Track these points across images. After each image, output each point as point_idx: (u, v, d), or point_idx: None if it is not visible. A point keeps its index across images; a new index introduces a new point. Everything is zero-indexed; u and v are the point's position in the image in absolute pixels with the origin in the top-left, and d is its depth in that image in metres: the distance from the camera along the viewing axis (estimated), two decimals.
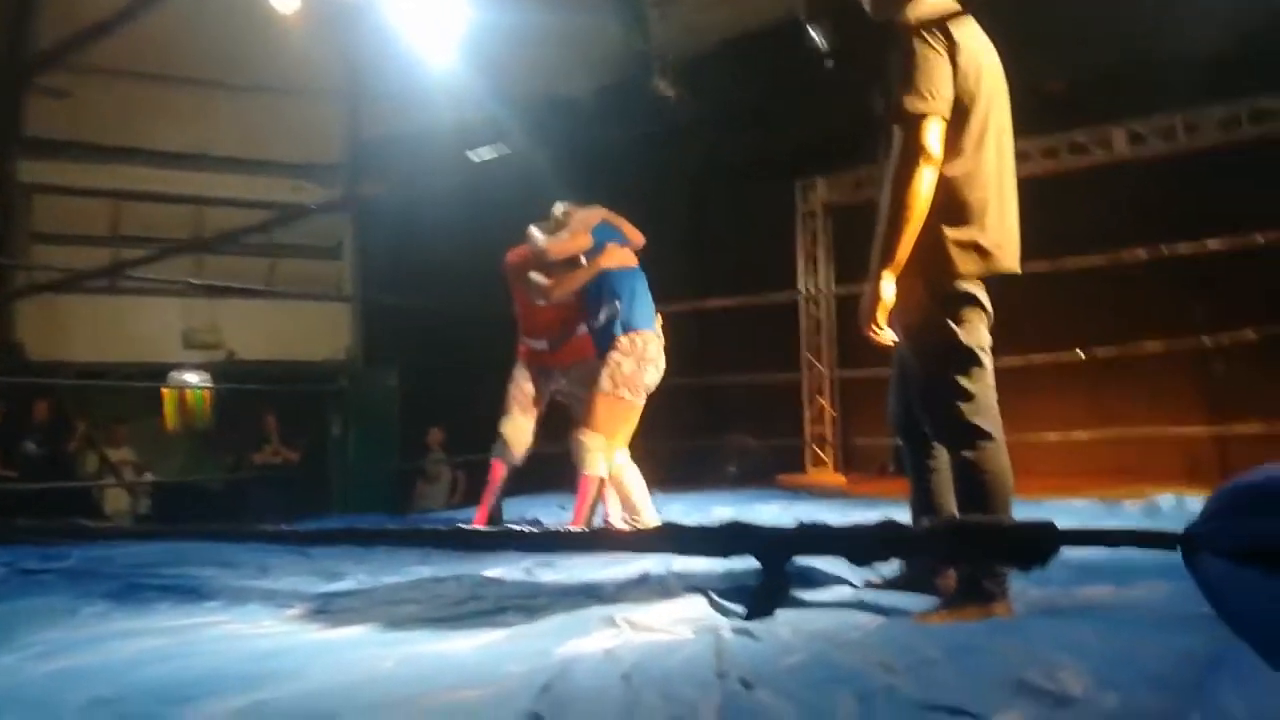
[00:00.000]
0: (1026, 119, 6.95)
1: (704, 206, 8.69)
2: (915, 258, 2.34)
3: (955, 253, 2.36)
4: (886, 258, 2.34)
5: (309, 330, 9.60)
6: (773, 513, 4.61)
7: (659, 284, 4.23)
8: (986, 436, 2.35)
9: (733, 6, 7.17)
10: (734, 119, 7.54)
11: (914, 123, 2.28)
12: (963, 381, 2.36)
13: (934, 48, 2.32)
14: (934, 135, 2.28)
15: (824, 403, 8.08)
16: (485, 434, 7.74)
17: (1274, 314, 5.09)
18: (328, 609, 2.73)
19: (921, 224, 2.31)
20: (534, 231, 4.20)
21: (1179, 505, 4.09)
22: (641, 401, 4.03)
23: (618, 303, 4.02)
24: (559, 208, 4.29)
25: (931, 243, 2.35)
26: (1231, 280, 5.97)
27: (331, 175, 9.56)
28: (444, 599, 2.82)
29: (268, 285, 8.98)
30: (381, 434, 7.61)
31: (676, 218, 8.12)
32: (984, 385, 2.38)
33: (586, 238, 4.11)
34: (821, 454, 8.00)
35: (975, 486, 2.36)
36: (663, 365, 4.09)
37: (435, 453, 8.50)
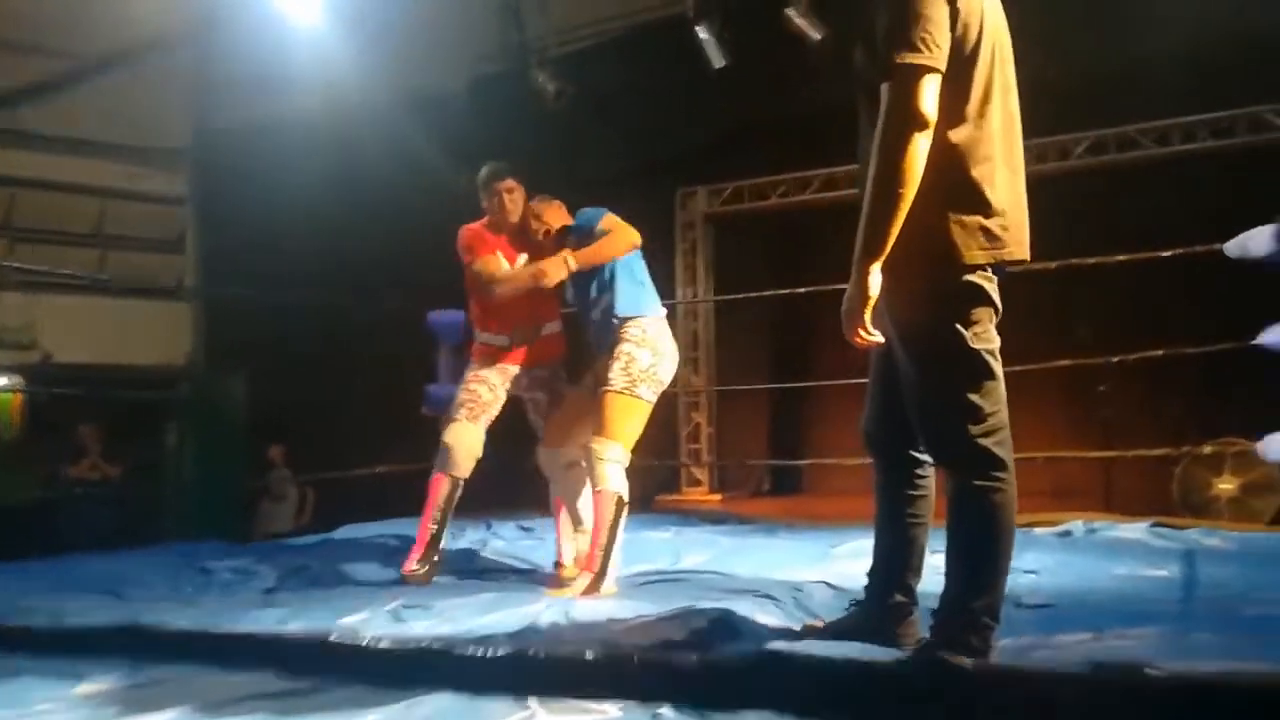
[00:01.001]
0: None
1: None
2: (911, 245, 1.97)
3: (960, 237, 2.00)
4: (873, 244, 1.97)
5: (144, 331, 8.67)
6: (667, 539, 4.26)
7: None
8: (1002, 466, 2.04)
9: (619, 1, 6.83)
10: (613, 119, 7.19)
11: (905, 78, 1.91)
12: (973, 397, 2.02)
13: None
14: (929, 94, 1.91)
15: (700, 419, 7.83)
16: (341, 447, 7.18)
17: (1162, 334, 5.06)
18: None
19: (913, 202, 1.94)
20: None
21: (1090, 532, 3.97)
22: (654, 400, 3.46)
23: (619, 286, 3.45)
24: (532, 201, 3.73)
25: (930, 226, 1.99)
26: (1118, 299, 6.00)
27: (174, 161, 8.73)
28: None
29: (96, 279, 8.07)
30: (224, 448, 6.89)
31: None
32: (996, 400, 2.05)
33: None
34: (697, 473, 7.74)
35: (980, 524, 2.05)
36: (677, 358, 3.56)
37: (279, 469, 7.80)
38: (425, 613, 2.95)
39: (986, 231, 2.01)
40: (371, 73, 6.59)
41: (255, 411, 7.18)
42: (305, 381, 6.92)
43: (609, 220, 3.47)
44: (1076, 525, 4.05)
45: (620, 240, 3.44)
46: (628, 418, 3.37)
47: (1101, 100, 6.48)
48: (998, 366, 2.06)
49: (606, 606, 2.85)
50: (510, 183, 3.71)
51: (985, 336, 2.05)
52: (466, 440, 3.72)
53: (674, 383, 3.68)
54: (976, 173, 2.01)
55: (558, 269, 3.44)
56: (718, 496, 7.43)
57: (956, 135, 1.99)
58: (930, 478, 2.28)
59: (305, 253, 7.05)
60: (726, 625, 2.31)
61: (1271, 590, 2.75)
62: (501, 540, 4.59)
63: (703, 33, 6.43)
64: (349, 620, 2.82)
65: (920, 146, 1.91)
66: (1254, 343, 4.02)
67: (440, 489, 3.76)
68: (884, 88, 1.94)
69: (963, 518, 2.07)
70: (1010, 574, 3.02)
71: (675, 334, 3.67)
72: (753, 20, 6.43)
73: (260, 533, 6.99)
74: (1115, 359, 4.88)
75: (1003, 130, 2.06)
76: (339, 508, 5.79)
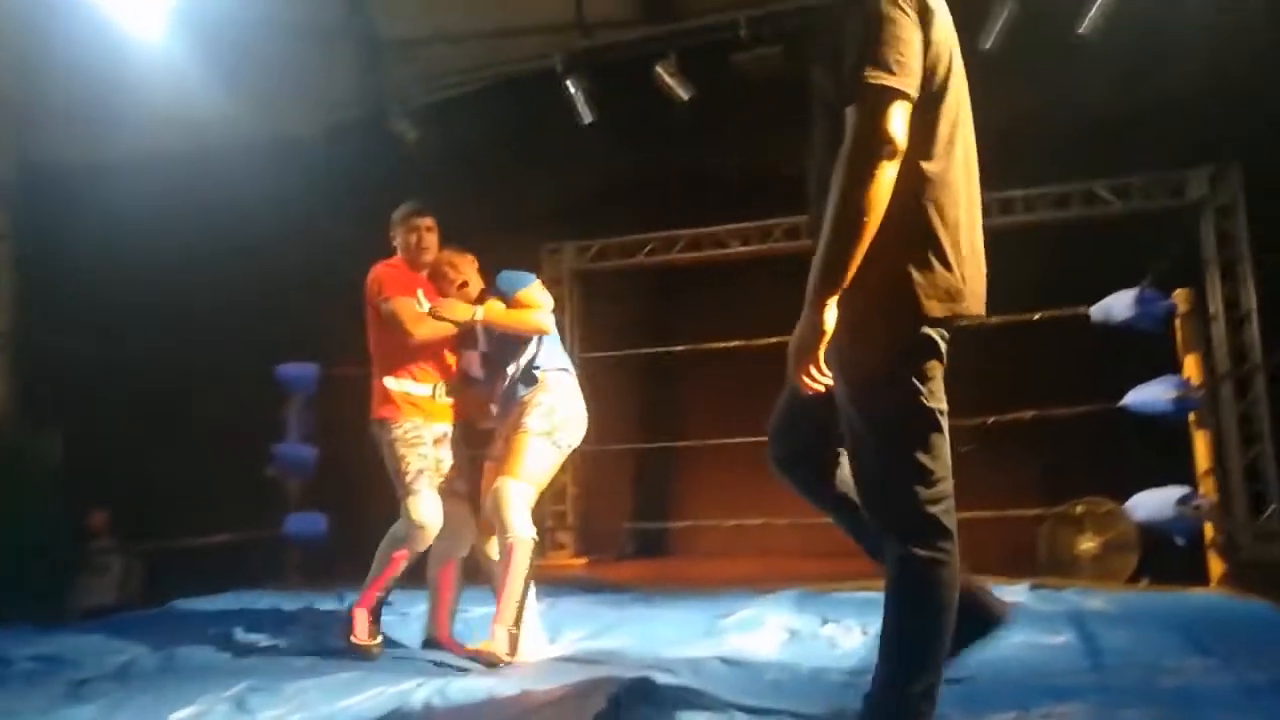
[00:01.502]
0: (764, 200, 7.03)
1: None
2: (868, 289, 1.82)
3: (921, 288, 1.84)
4: (831, 277, 1.79)
5: None
6: (543, 612, 3.99)
7: None
8: (948, 536, 1.88)
9: (486, 51, 6.68)
10: (479, 171, 7.00)
11: (875, 100, 1.75)
12: (923, 459, 1.86)
13: (904, 10, 1.82)
14: (899, 119, 1.76)
15: (565, 480, 7.58)
16: (176, 513, 6.56)
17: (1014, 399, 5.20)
18: None
19: (873, 241, 1.77)
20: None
21: None
22: (566, 455, 3.41)
23: (545, 340, 3.46)
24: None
25: (891, 270, 1.84)
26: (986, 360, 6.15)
27: None
28: None
29: None
30: (35, 513, 6.16)
31: None
32: (944, 464, 1.90)
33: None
34: (561, 536, 7.47)
35: (922, 599, 1.88)
36: (585, 425, 3.48)
37: (101, 537, 7.08)
38: (273, 698, 2.63)
39: (948, 283, 1.88)
40: (224, 114, 6.18)
41: (75, 473, 6.49)
42: (136, 440, 6.32)
43: (529, 294, 3.46)
44: None
45: (532, 322, 3.44)
46: (541, 461, 3.30)
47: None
48: (945, 425, 1.92)
49: (485, 685, 2.60)
50: (430, 221, 3.63)
51: (937, 395, 1.92)
52: (437, 517, 3.41)
53: None
54: (940, 217, 1.88)
55: (463, 313, 3.39)
56: (583, 560, 7.18)
57: (922, 173, 1.86)
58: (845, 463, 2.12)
59: (143, 301, 6.50)
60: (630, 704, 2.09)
61: (1177, 657, 2.74)
62: None
63: (572, 87, 6.37)
64: (181, 715, 2.48)
65: (887, 175, 1.76)
66: (1120, 404, 4.12)
67: (400, 565, 3.48)
68: (849, 110, 1.79)
69: (903, 590, 1.91)
70: None
71: None
72: (622, 77, 6.40)
73: (78, 610, 6.28)
74: (990, 420, 4.96)
75: (965, 174, 1.95)
76: (173, 580, 5.25)
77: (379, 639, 3.41)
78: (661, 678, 2.47)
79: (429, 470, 3.42)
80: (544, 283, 3.61)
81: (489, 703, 2.34)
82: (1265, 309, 5.48)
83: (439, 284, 3.59)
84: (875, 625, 3.49)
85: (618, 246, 7.61)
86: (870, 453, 1.93)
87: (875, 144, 1.75)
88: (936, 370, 1.92)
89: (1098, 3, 5.12)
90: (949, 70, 1.91)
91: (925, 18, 1.86)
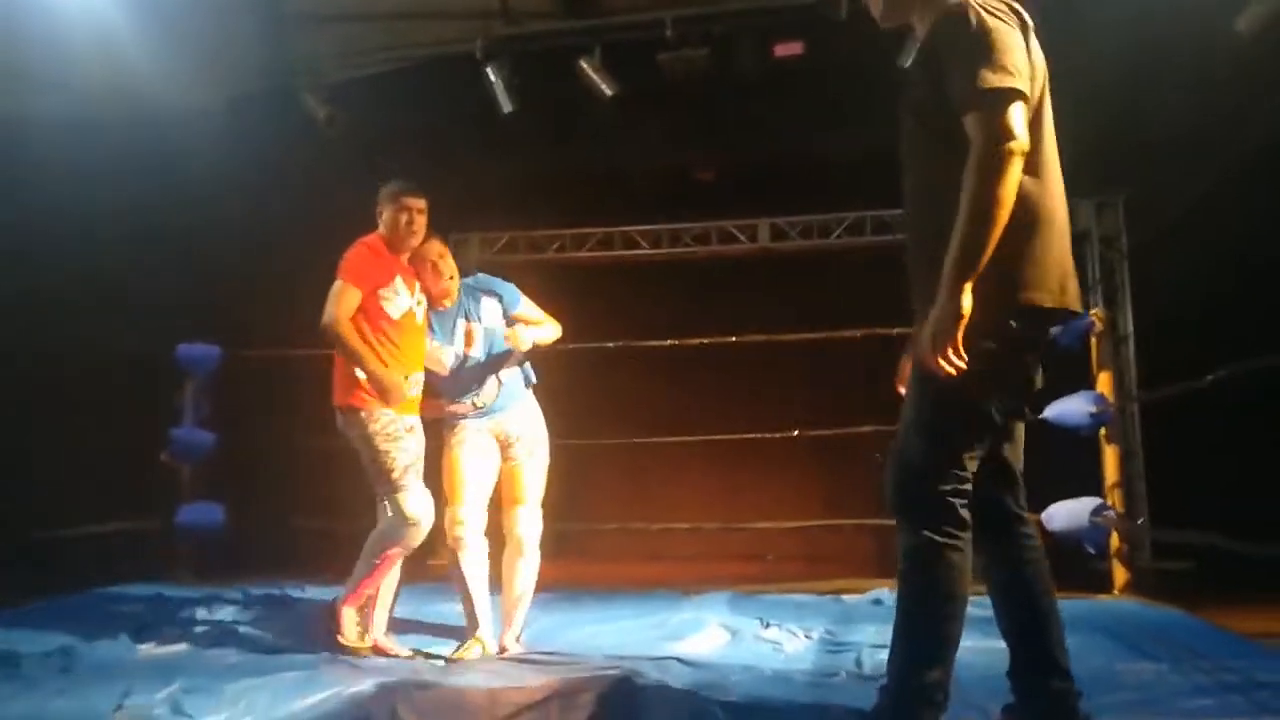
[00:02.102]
0: (678, 204, 7.09)
1: (342, 246, 7.70)
2: (981, 277, 1.90)
3: (1031, 275, 1.95)
4: (968, 264, 1.87)
5: None
6: None
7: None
8: (965, 526, 1.96)
9: (404, 32, 6.47)
10: (389, 153, 6.79)
11: (996, 103, 1.87)
12: (965, 454, 1.96)
13: (1004, 20, 1.94)
14: (1020, 118, 1.88)
15: None
16: (58, 504, 6.10)
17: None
18: None
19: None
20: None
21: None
22: None
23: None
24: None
25: (1003, 256, 1.91)
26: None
27: None
28: None
29: None
30: None
31: (312, 258, 7.12)
32: (975, 461, 2.00)
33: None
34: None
35: (937, 584, 1.94)
36: None
37: None
38: (213, 700, 2.47)
39: (1054, 275, 2.00)
40: (116, 82, 5.78)
41: None
42: (9, 428, 5.86)
43: (532, 308, 3.68)
44: (884, 593, 4.12)
45: (556, 335, 3.67)
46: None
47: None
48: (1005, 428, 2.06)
49: (451, 686, 2.50)
50: (423, 203, 3.50)
51: (1014, 391, 2.04)
52: (430, 511, 3.31)
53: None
54: (1047, 216, 1.99)
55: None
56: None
57: (1029, 174, 1.96)
58: (1036, 536, 2.14)
59: (18, 279, 6.03)
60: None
61: (1127, 661, 2.87)
62: (270, 609, 4.02)
63: (492, 75, 6.24)
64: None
65: (1015, 169, 1.87)
66: (1040, 416, 4.30)
67: (392, 563, 3.36)
68: (969, 118, 1.89)
69: (915, 576, 1.98)
70: (859, 650, 2.99)
71: None
72: (545, 69, 6.32)
73: None
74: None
75: (1057, 179, 2.07)
76: (54, 575, 4.88)
77: (368, 639, 3.29)
78: (637, 678, 2.43)
79: (413, 464, 3.29)
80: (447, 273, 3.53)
81: (462, 706, 2.26)
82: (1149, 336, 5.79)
83: (421, 273, 3.46)
84: (816, 629, 3.59)
85: (526, 240, 7.51)
86: (919, 431, 2.00)
87: (1001, 142, 1.86)
88: (1028, 362, 2.04)
89: None
90: (1043, 86, 2.04)
91: (1024, 25, 2.00)
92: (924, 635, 1.97)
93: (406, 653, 3.30)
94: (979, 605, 3.93)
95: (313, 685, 2.53)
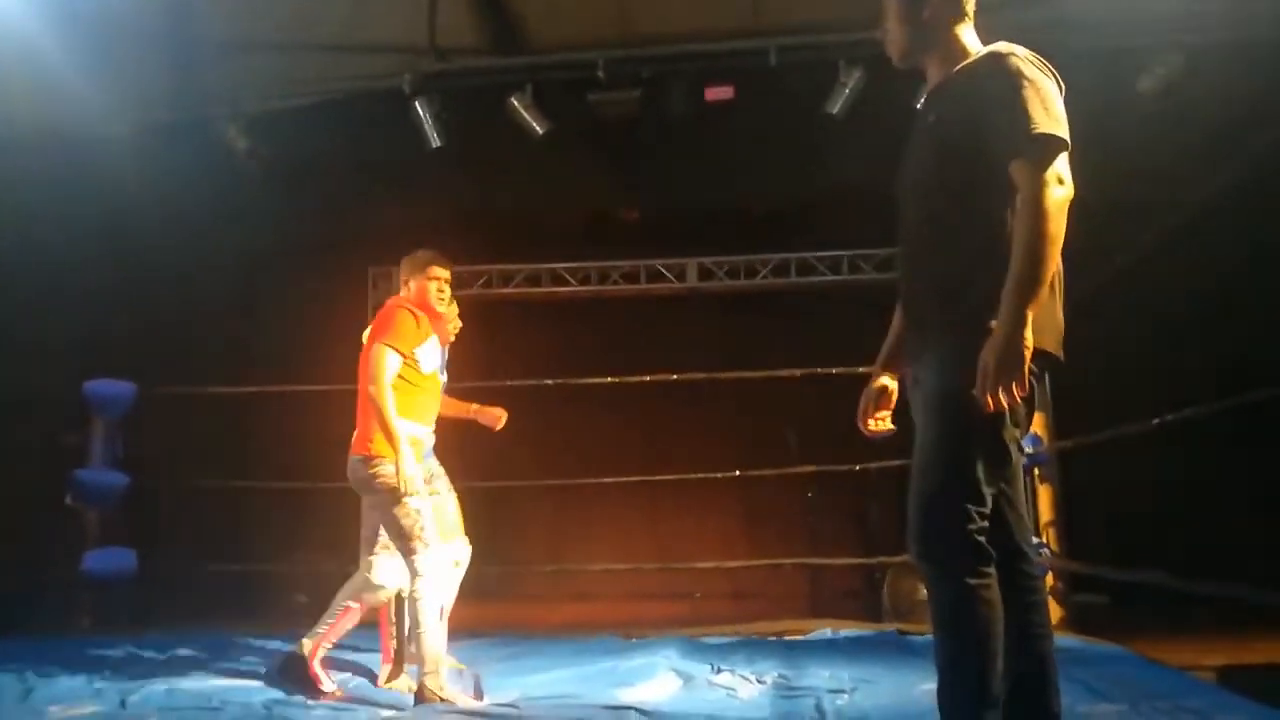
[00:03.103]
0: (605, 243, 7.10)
1: (260, 280, 7.45)
2: (986, 316, 1.95)
3: (1043, 321, 1.98)
4: (1028, 298, 1.91)
5: None
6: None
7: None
8: (990, 560, 1.96)
9: (329, 65, 6.33)
10: (311, 187, 6.62)
11: (1048, 149, 1.95)
12: (984, 487, 1.97)
13: (1045, 74, 2.03)
14: (1065, 163, 1.97)
15: None
16: None
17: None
18: None
19: (998, 275, 1.94)
20: None
21: (851, 640, 4.05)
22: None
23: None
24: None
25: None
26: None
27: None
28: None
29: None
30: None
31: (228, 292, 6.88)
32: (992, 494, 2.02)
33: None
34: None
35: (979, 627, 1.92)
36: None
37: None
38: None
39: (1058, 322, 2.07)
40: (29, 100, 5.50)
41: None
42: None
43: None
44: (826, 633, 4.11)
45: None
46: None
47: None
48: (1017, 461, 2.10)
49: None
50: (449, 274, 3.83)
51: (1020, 426, 2.07)
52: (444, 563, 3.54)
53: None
54: (1057, 264, 2.01)
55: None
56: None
57: None
58: (1039, 576, 2.15)
59: None
60: None
61: (1086, 702, 2.91)
62: (197, 669, 3.80)
63: (420, 109, 6.15)
64: None
65: (1064, 211, 1.94)
66: None
67: (357, 615, 3.65)
68: (1018, 163, 1.96)
69: (962, 623, 1.96)
70: (817, 695, 2.96)
71: None
72: (475, 105, 6.25)
73: None
74: (857, 467, 5.12)
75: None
76: None
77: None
78: None
79: (431, 518, 3.42)
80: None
81: None
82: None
83: (439, 335, 3.77)
84: (768, 673, 3.55)
85: (451, 276, 7.39)
86: (936, 466, 2.02)
87: (1053, 186, 1.94)
88: (1029, 402, 2.07)
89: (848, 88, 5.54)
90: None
91: (1058, 81, 2.08)
92: (974, 676, 1.96)
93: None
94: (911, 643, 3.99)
95: None
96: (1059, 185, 1.95)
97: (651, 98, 5.99)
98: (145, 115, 6.42)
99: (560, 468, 6.90)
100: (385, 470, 3.32)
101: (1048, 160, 1.95)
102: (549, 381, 6.07)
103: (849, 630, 4.28)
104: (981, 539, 1.97)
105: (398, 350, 3.42)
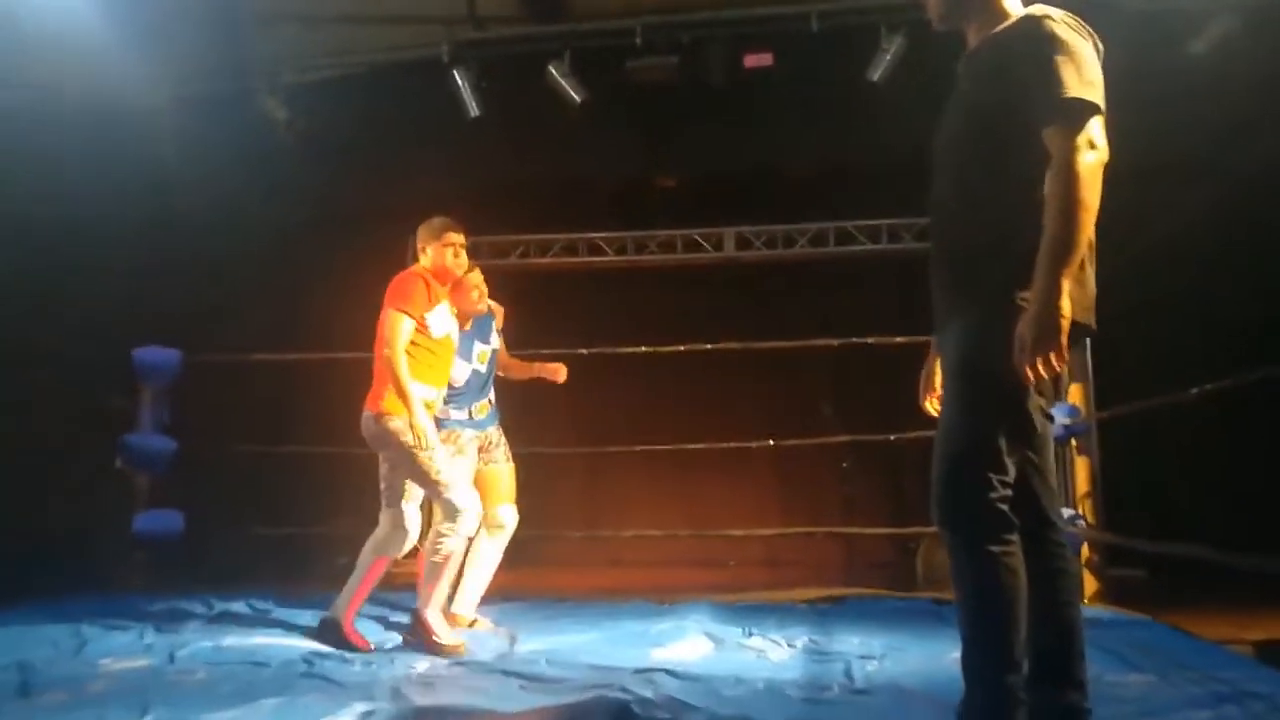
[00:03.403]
0: (645, 212, 7.08)
1: (301, 250, 7.52)
2: (1019, 285, 1.94)
3: (1075, 294, 1.96)
4: (1061, 269, 1.89)
5: None
6: None
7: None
8: (1012, 528, 1.97)
9: (368, 36, 6.36)
10: (351, 157, 6.67)
11: (1083, 114, 1.92)
12: (1007, 456, 1.96)
13: (1082, 35, 2.00)
14: (1099, 128, 1.94)
15: None
16: None
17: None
18: None
19: (1032, 245, 1.93)
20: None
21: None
22: None
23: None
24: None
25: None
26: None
27: None
28: None
29: None
30: None
31: (271, 260, 6.96)
32: (1016, 461, 2.02)
33: None
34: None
35: (1000, 589, 1.95)
36: None
37: None
38: None
39: (1089, 295, 2.05)
40: (73, 73, 5.58)
41: None
42: None
43: None
44: (857, 600, 4.12)
45: None
46: None
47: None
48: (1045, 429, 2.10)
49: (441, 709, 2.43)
50: (464, 239, 3.92)
51: (1046, 396, 2.05)
52: (478, 504, 3.73)
53: None
54: (1090, 236, 1.99)
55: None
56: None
57: None
58: (1067, 545, 2.15)
59: None
60: None
61: (1117, 673, 2.91)
62: (233, 620, 3.90)
63: (459, 79, 6.17)
64: None
65: (1099, 176, 1.92)
66: None
67: (382, 569, 3.82)
68: (1053, 128, 1.94)
69: (983, 590, 1.97)
70: (847, 661, 2.99)
71: None
72: (513, 74, 6.26)
73: None
74: (892, 437, 5.11)
75: None
76: None
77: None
78: (625, 696, 2.40)
79: (452, 466, 3.68)
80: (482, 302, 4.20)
81: None
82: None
83: (462, 299, 4.01)
84: (798, 638, 3.59)
85: (489, 244, 7.42)
86: (958, 434, 2.02)
87: (1092, 150, 1.92)
88: (1061, 372, 2.04)
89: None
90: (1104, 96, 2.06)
91: (1095, 45, 2.04)
92: (996, 643, 1.97)
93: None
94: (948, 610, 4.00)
95: (293, 714, 2.44)
96: (1091, 150, 1.92)
97: (690, 65, 5.97)
98: (186, 87, 6.52)
99: (594, 436, 6.94)
100: (394, 425, 3.52)
101: (1081, 125, 1.92)
102: (583, 351, 6.07)
103: (882, 598, 4.30)
104: (1004, 507, 1.97)
105: (409, 314, 3.58)
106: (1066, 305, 1.90)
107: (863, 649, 3.29)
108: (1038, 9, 2.07)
